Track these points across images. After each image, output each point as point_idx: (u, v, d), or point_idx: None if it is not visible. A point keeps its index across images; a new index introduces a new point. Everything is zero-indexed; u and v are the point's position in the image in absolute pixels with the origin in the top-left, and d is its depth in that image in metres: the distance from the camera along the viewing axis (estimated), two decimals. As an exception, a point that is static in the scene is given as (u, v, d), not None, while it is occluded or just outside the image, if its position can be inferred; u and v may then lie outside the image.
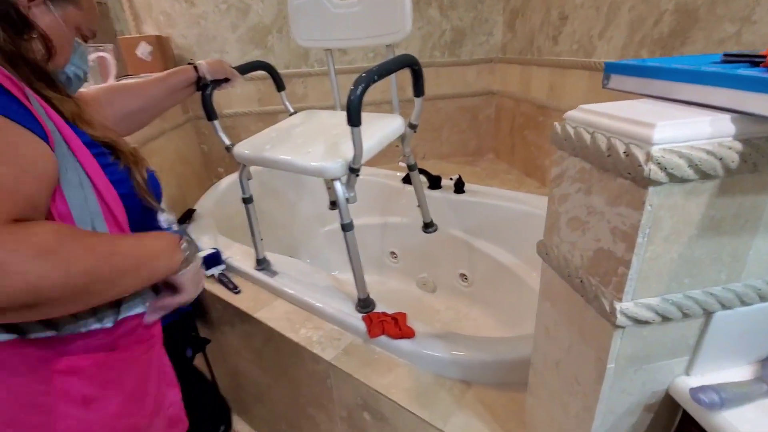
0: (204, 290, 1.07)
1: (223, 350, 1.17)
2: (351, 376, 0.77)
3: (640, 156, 0.33)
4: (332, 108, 1.16)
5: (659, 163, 0.33)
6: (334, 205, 1.39)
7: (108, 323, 0.46)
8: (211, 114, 0.90)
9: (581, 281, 0.43)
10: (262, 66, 1.05)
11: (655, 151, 0.33)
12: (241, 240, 1.24)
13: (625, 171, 0.35)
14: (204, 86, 0.87)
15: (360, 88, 0.69)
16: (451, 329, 1.45)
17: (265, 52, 1.65)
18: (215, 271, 1.09)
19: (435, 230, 1.23)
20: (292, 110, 1.12)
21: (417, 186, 1.14)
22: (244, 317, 0.98)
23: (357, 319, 0.86)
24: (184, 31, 1.60)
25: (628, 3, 1.07)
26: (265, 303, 0.99)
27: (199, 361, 1.10)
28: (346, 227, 0.84)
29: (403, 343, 0.79)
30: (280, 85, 1.10)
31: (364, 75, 0.70)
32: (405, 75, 0.88)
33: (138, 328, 0.50)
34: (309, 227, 1.70)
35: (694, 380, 0.43)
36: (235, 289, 1.03)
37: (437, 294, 1.57)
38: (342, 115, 1.05)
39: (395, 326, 0.80)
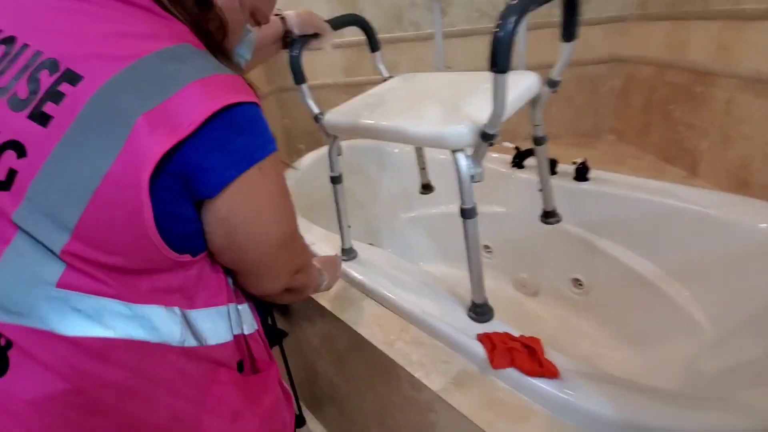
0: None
1: (300, 345, 1.03)
2: (467, 419, 0.56)
3: None
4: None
5: None
6: (426, 189, 1.17)
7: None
8: (299, 76, 0.73)
9: None
10: (357, 21, 0.86)
11: None
12: (321, 224, 1.08)
13: None
14: (291, 42, 0.71)
15: (512, 18, 0.46)
16: (558, 344, 1.20)
17: (355, 15, 1.46)
18: (296, 258, 0.93)
19: (558, 221, 0.97)
20: (387, 74, 0.91)
21: (542, 164, 0.88)
22: (327, 317, 0.81)
23: (471, 339, 0.65)
24: (271, -7, 1.45)
25: None
26: (351, 302, 0.81)
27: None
28: (467, 213, 0.63)
29: (542, 384, 0.56)
30: (374, 45, 0.90)
31: (514, 3, 0.47)
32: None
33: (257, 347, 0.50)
34: (390, 211, 1.51)
35: None
36: (317, 281, 0.87)
37: (539, 298, 1.31)
38: (451, 77, 0.83)
39: (531, 358, 0.57)
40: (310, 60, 1.54)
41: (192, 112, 0.33)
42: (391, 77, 0.90)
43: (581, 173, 1.13)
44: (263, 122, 0.38)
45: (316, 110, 0.75)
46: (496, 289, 1.39)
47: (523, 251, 1.32)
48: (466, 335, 0.66)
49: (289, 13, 0.69)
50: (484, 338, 0.63)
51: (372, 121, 0.65)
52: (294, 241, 0.47)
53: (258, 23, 0.52)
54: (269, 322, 1.05)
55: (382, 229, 1.49)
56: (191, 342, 0.41)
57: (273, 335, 0.99)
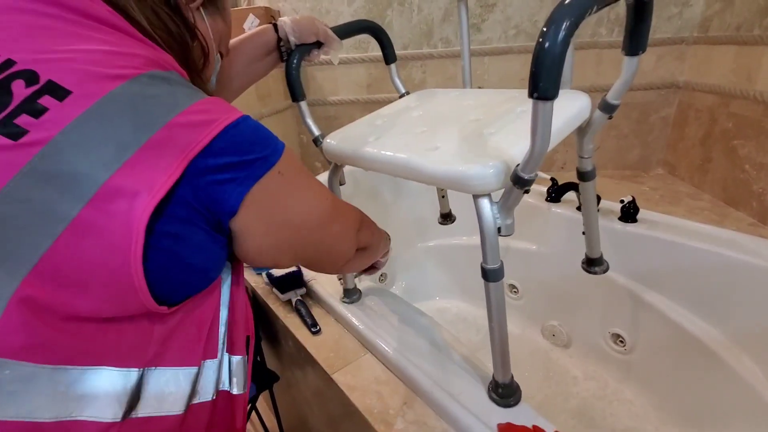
0: (275, 316, 0.82)
1: (292, 390, 0.91)
2: None
3: None
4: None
5: None
6: (446, 219, 1.04)
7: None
8: (296, 91, 0.62)
9: None
10: (368, 27, 0.74)
11: None
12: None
13: None
14: (289, 53, 0.61)
15: (564, 23, 0.33)
16: (593, 411, 1.03)
17: (381, 29, 1.37)
18: (292, 296, 0.82)
19: (605, 271, 0.82)
20: (403, 90, 0.80)
21: (588, 204, 0.74)
22: (318, 371, 0.69)
23: (490, 429, 0.51)
24: (296, 3, 1.38)
25: None
26: (349, 357, 0.68)
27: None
28: (491, 274, 0.49)
29: None
30: (389, 56, 0.78)
31: (567, 3, 0.34)
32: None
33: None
34: (405, 238, 1.37)
35: None
36: (313, 326, 0.75)
37: (571, 352, 1.14)
38: (478, 95, 0.70)
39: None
40: (331, 75, 1.47)
41: (198, 132, 0.31)
42: (407, 93, 0.78)
43: (629, 213, 0.97)
44: (264, 129, 0.37)
45: (316, 132, 0.64)
46: (522, 336, 1.23)
47: (555, 295, 1.16)
48: (484, 423, 0.51)
49: (284, 19, 0.59)
50: (504, 431, 0.49)
51: (375, 151, 0.53)
52: (338, 207, 0.46)
53: (221, 54, 0.50)
54: (258, 359, 0.93)
55: (397, 258, 1.36)
56: (137, 413, 0.33)
57: (263, 377, 0.88)
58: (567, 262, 1.07)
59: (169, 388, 0.35)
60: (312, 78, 1.47)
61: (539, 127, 0.36)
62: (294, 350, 0.78)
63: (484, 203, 0.44)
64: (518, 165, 0.41)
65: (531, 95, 0.34)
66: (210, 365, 0.39)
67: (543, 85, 0.33)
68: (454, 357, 0.62)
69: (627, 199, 0.96)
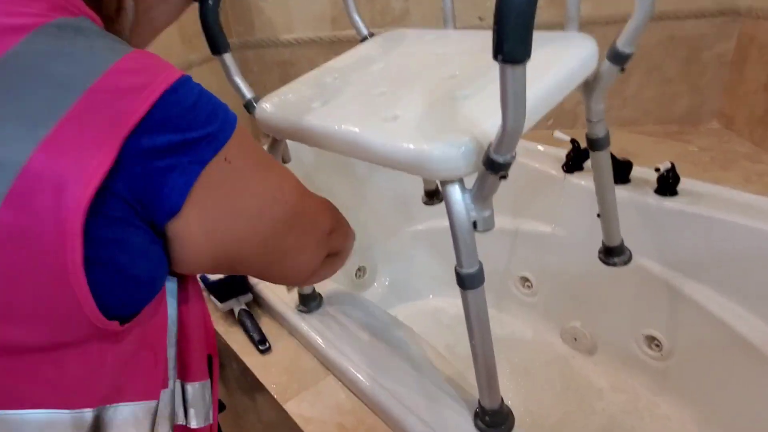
0: (215, 332, 0.84)
1: (241, 424, 0.94)
2: None
3: None
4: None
5: None
6: (431, 197, 1.05)
7: None
8: (216, 40, 0.62)
9: None
10: None
11: None
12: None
13: None
14: None
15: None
16: (621, 430, 1.08)
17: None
18: (235, 305, 0.83)
19: (626, 262, 0.84)
20: (365, 32, 0.79)
21: (603, 179, 0.75)
22: (268, 399, 0.71)
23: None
24: None
25: None
26: (306, 381, 0.71)
27: None
28: (468, 281, 0.51)
29: None
30: None
31: None
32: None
33: None
34: (386, 222, 1.39)
35: None
36: (261, 343, 0.77)
37: (596, 359, 1.19)
38: (460, 39, 0.70)
39: None
40: (284, 6, 1.45)
41: (129, 100, 0.31)
42: (370, 35, 0.77)
43: (667, 184, 0.99)
44: (209, 94, 0.36)
45: (247, 95, 0.64)
46: (536, 341, 1.27)
47: (576, 290, 1.19)
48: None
49: None
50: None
51: (318, 121, 0.53)
52: (306, 206, 0.46)
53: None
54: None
55: (377, 246, 1.39)
56: None
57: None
58: (590, 248, 1.09)
59: (127, 428, 0.37)
60: (258, 10, 1.44)
61: (510, 99, 0.37)
62: (239, 373, 0.80)
63: (454, 191, 0.45)
64: (491, 143, 0.42)
65: (495, 57, 0.35)
66: (164, 396, 0.41)
67: (509, 45, 0.34)
68: (436, 378, 0.65)
69: (664, 166, 0.98)
